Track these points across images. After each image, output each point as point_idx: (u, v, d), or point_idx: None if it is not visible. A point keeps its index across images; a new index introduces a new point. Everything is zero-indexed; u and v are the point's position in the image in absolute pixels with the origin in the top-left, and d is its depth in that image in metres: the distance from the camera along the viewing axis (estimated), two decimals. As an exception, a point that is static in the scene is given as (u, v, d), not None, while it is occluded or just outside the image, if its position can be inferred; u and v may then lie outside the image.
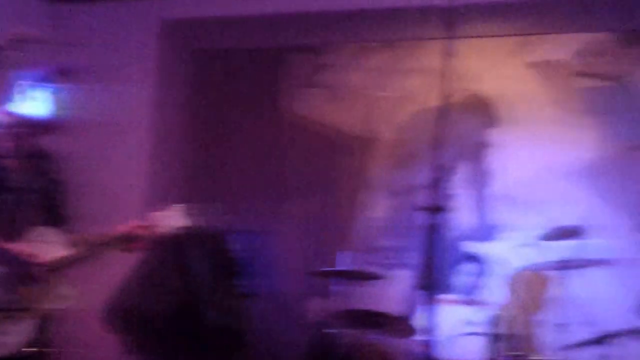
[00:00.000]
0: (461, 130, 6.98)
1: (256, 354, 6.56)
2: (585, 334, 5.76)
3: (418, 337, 5.69)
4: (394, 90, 7.28)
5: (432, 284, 3.68)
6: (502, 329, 5.85)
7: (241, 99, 7.58)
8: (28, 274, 3.93)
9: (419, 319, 6.05)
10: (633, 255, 6.65)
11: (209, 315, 6.03)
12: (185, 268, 6.05)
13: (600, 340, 5.65)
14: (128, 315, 5.93)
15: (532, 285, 6.45)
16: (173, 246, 6.02)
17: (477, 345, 5.79)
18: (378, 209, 7.15)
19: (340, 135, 7.32)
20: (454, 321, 5.97)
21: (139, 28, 7.32)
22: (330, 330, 6.00)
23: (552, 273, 6.07)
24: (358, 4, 7.09)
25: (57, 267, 4.01)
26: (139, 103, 7.18)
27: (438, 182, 3.68)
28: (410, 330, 5.79)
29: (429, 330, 3.63)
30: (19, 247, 3.97)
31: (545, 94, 7.08)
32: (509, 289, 6.42)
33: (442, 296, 5.72)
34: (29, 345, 3.94)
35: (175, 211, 4.32)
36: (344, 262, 6.19)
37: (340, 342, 5.91)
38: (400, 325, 5.89)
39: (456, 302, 6.28)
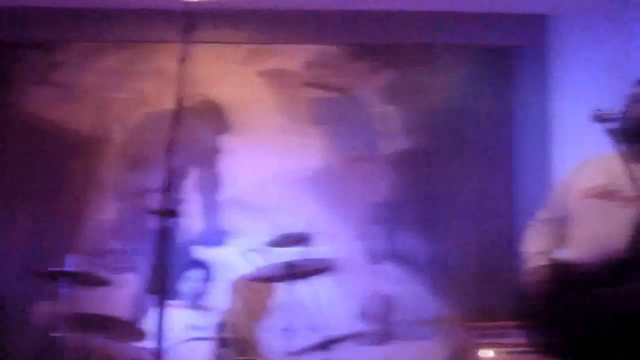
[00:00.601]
0: (193, 135, 6.99)
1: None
2: (310, 339, 5.90)
3: (146, 342, 5.66)
4: (127, 92, 7.19)
5: (161, 288, 3.67)
6: (229, 334, 5.90)
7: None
8: None
9: (147, 324, 6.02)
10: (356, 263, 6.92)
11: None
12: None
13: (324, 345, 5.81)
14: None
15: (256, 291, 6.56)
16: None
17: (204, 350, 5.81)
18: (108, 211, 7.03)
19: (71, 135, 7.14)
20: (182, 326, 5.97)
21: None
22: (57, 334, 5.84)
23: (278, 279, 6.18)
24: (93, 3, 6.98)
25: None
26: None
27: (170, 186, 3.68)
28: (138, 335, 5.74)
29: (157, 335, 3.61)
30: None
31: (276, 103, 7.24)
32: (234, 294, 6.50)
33: (171, 301, 5.73)
34: None
35: None
36: (72, 264, 6.04)
37: (67, 346, 5.77)
38: (128, 329, 5.83)
39: (184, 306, 6.29)
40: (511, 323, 5.71)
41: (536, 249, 4.07)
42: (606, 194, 3.85)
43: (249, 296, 6.51)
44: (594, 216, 3.85)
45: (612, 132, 3.94)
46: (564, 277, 3.76)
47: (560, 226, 4.09)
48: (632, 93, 3.98)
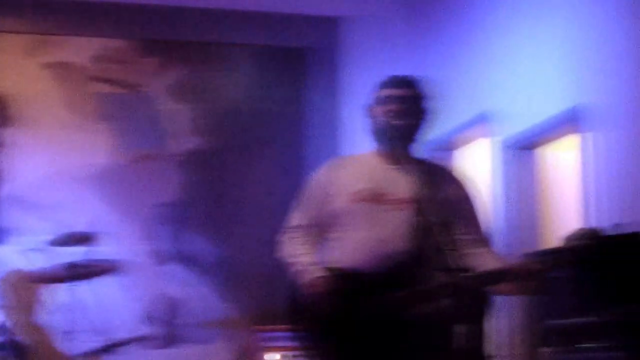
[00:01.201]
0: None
1: None
2: (93, 342, 5.80)
3: None
4: None
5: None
6: (4, 336, 5.72)
7: None
8: None
9: None
10: (141, 264, 6.82)
11: None
12: None
13: (108, 348, 5.73)
14: None
15: (28, 290, 6.35)
16: None
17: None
18: None
19: None
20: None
21: None
22: None
23: (59, 279, 6.02)
24: None
25: None
26: None
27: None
28: None
29: None
30: None
31: (60, 97, 7.04)
32: (5, 294, 6.26)
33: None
34: None
35: None
36: None
37: None
38: None
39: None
40: (297, 327, 5.79)
41: (306, 258, 3.96)
42: (374, 198, 3.84)
43: (20, 296, 6.28)
44: (364, 221, 3.83)
45: (370, 133, 3.96)
46: (343, 286, 3.75)
47: (319, 232, 4.01)
48: (377, 95, 4.00)
